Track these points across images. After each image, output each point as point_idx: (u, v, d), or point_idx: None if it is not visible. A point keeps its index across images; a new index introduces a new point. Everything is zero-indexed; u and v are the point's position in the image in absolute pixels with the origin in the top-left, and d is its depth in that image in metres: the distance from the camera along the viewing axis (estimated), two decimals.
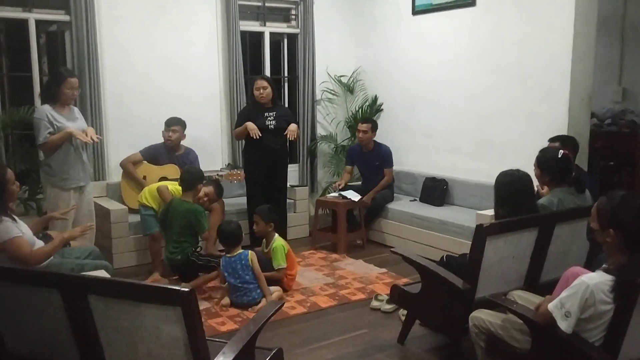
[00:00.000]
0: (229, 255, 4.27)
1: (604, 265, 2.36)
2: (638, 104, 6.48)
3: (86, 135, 4.30)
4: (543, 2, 4.99)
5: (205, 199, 4.76)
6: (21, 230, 3.20)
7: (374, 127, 6.02)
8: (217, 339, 2.70)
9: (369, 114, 6.64)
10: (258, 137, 5.20)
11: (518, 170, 3.47)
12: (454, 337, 3.28)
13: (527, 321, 2.56)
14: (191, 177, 4.64)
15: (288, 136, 5.34)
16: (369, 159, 6.06)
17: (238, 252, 4.26)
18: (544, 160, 3.59)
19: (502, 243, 3.12)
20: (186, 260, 4.51)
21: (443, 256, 3.80)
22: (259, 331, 2.54)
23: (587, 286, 2.26)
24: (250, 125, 5.22)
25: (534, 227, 3.24)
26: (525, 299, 2.87)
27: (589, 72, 4.97)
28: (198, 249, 4.62)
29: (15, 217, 3.26)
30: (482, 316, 2.81)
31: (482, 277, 3.10)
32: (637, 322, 2.29)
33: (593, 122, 6.34)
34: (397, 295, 3.63)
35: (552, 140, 4.32)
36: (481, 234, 3.01)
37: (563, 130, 4.71)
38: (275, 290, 4.33)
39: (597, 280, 2.27)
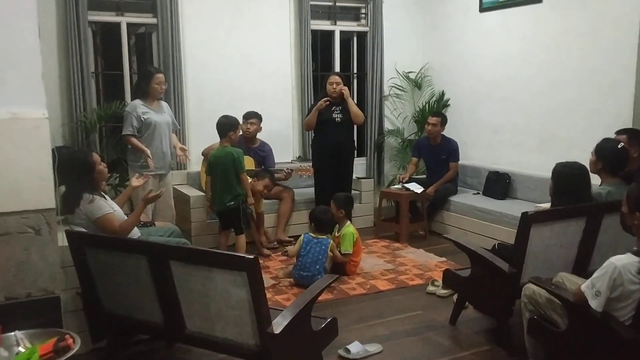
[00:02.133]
0: (313, 235, 4.64)
1: (634, 248, 2.50)
2: None
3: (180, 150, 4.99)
4: None
5: (265, 191, 5.19)
6: (112, 207, 3.62)
7: (444, 122, 6.19)
8: (280, 308, 3.03)
9: (436, 109, 6.79)
10: (328, 104, 5.53)
11: (575, 162, 3.57)
12: (499, 318, 3.46)
13: (563, 300, 2.73)
14: (225, 121, 4.87)
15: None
16: (436, 152, 6.23)
17: (323, 236, 4.62)
18: (603, 147, 3.69)
19: (547, 231, 3.28)
20: (237, 206, 4.79)
21: (495, 244, 3.96)
22: (315, 299, 2.85)
23: (615, 267, 2.42)
24: (320, 101, 5.57)
25: (582, 217, 3.37)
26: (571, 280, 3.01)
27: None
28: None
29: (106, 196, 3.68)
30: (534, 288, 2.98)
31: (528, 263, 3.27)
32: None
33: None
34: (449, 278, 3.85)
35: (619, 133, 4.31)
36: (526, 221, 3.19)
37: (627, 126, 4.70)
38: None
39: (625, 261, 2.43)
